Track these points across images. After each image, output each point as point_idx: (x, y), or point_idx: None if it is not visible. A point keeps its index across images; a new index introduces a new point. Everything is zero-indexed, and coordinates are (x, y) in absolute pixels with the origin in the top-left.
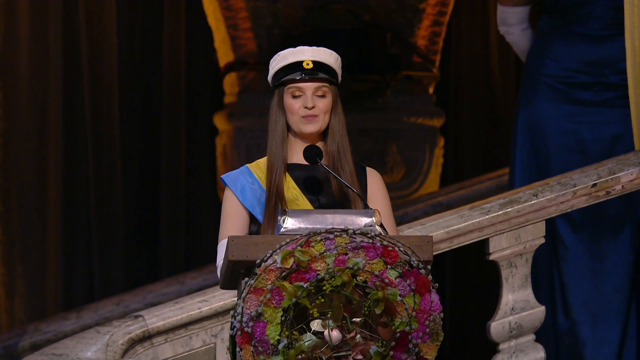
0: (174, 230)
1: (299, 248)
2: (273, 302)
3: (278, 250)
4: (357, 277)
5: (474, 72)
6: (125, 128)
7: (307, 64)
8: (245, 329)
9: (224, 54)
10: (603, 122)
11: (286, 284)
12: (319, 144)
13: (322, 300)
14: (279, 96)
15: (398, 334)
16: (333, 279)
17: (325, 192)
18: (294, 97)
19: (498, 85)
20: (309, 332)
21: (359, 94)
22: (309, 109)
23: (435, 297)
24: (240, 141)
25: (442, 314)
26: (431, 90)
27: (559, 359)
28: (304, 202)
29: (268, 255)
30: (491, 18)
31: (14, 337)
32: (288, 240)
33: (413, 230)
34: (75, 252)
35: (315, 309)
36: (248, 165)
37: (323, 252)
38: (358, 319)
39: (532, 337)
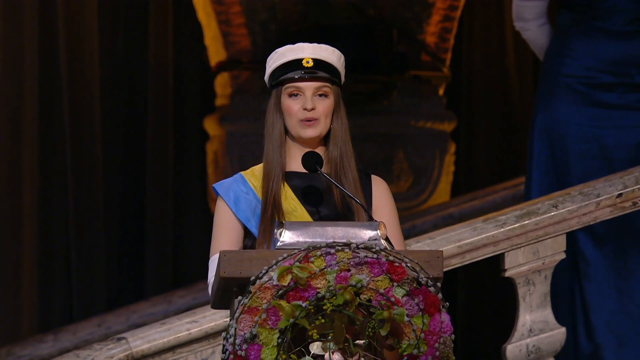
0: (161, 245)
1: (297, 264)
2: (269, 322)
3: (274, 266)
4: (361, 296)
5: (488, 71)
6: (107, 133)
7: (307, 62)
8: (239, 352)
9: (216, 52)
10: (628, 127)
11: (283, 303)
12: (320, 150)
13: (323, 320)
14: (277, 97)
15: (405, 358)
16: (334, 297)
17: (326, 203)
18: (293, 97)
19: (514, 87)
20: (308, 355)
21: (362, 96)
22: (308, 110)
23: (445, 317)
24: (233, 147)
25: (453, 336)
26: (441, 91)
27: None
28: (303, 214)
29: (263, 271)
30: (506, 13)
31: None
32: (285, 255)
33: (422, 244)
34: (52, 268)
35: (315, 331)
36: (242, 172)
37: (323, 268)
38: (361, 341)
39: None
